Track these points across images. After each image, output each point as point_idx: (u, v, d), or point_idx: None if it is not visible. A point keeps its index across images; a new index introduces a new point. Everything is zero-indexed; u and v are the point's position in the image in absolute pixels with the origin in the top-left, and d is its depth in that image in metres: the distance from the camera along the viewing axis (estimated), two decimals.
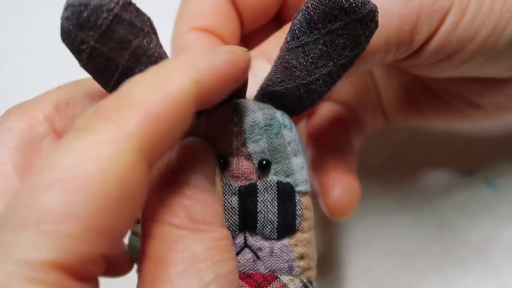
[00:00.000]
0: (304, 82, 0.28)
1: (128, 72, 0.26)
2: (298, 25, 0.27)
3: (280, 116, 0.28)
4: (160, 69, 0.23)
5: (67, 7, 0.24)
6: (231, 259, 0.24)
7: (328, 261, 0.44)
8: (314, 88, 0.28)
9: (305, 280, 0.29)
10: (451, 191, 0.45)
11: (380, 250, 0.43)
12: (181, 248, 0.23)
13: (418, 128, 0.47)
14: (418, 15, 0.28)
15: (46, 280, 0.18)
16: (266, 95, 0.29)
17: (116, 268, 0.32)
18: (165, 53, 0.27)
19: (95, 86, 0.27)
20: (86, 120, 0.21)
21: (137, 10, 0.25)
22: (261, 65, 0.30)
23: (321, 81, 0.28)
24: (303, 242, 0.29)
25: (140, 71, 0.25)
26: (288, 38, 0.27)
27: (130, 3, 0.25)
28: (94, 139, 0.20)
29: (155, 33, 0.27)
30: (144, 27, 0.25)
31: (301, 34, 0.27)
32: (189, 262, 0.23)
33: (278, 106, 0.29)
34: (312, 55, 0.27)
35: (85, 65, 0.25)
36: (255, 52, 0.31)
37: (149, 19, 0.26)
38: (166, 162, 0.25)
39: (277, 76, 0.28)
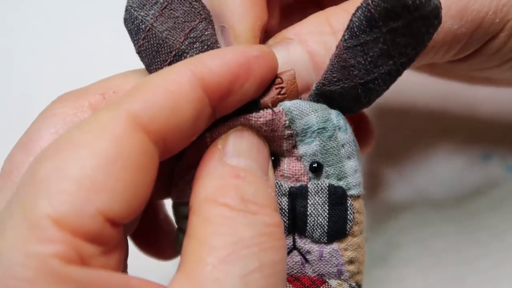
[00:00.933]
0: (362, 81, 0.27)
1: (181, 57, 0.26)
2: (357, 23, 0.25)
3: (335, 117, 0.28)
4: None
5: None
6: (280, 248, 0.23)
7: None
8: (373, 88, 0.27)
9: (353, 284, 0.29)
10: (468, 174, 0.45)
11: (395, 233, 0.44)
12: (228, 232, 0.22)
13: (435, 111, 0.46)
14: (470, 36, 0.28)
15: (52, 238, 0.20)
16: (321, 95, 0.28)
17: (158, 250, 0.34)
18: (217, 44, 0.27)
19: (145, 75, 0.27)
20: None
21: None
22: (297, 51, 0.28)
23: (380, 80, 0.27)
24: (353, 246, 0.29)
25: (192, 56, 0.26)
26: (346, 36, 0.26)
27: None
28: (95, 114, 0.23)
29: (212, 22, 0.26)
30: (202, 12, 0.26)
31: (361, 32, 0.25)
32: (235, 247, 0.22)
33: (333, 106, 0.28)
34: (371, 53, 0.26)
35: (140, 47, 0.25)
36: (290, 33, 0.29)
37: (207, 8, 0.26)
38: (218, 145, 0.26)
39: (334, 75, 0.27)
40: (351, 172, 0.28)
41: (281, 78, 0.27)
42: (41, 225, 0.20)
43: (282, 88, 0.27)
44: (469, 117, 0.47)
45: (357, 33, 0.25)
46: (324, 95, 0.28)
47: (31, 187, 0.21)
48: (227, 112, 0.26)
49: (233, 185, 0.24)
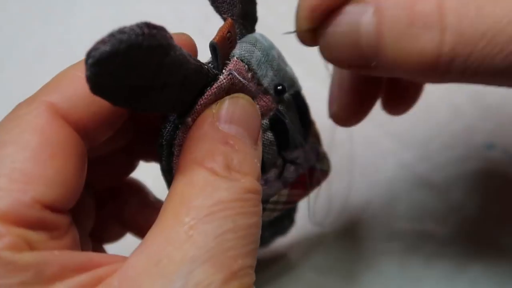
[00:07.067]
0: None
1: (160, 87, 0.23)
2: None
3: (264, 40, 0.30)
4: None
5: (95, 63, 0.20)
6: (255, 213, 0.25)
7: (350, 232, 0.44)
8: None
9: (327, 156, 0.34)
10: (471, 163, 0.45)
11: (399, 218, 0.43)
12: (208, 194, 0.23)
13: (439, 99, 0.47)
14: None
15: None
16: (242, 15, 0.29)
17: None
18: (185, 53, 0.24)
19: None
20: None
21: (157, 27, 0.22)
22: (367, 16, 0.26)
23: None
24: (315, 127, 0.33)
25: (172, 80, 0.24)
26: None
27: (151, 25, 0.21)
28: (15, 110, 0.25)
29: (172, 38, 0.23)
30: (167, 41, 0.22)
31: None
32: (213, 208, 0.23)
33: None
34: None
35: (120, 106, 0.23)
36: None
37: (165, 29, 0.22)
38: (213, 110, 0.26)
39: None
40: (292, 73, 0.31)
41: (229, 32, 0.27)
42: None
43: (230, 39, 0.27)
44: (472, 105, 0.47)
45: None
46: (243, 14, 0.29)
47: None
48: None
49: (221, 151, 0.25)
